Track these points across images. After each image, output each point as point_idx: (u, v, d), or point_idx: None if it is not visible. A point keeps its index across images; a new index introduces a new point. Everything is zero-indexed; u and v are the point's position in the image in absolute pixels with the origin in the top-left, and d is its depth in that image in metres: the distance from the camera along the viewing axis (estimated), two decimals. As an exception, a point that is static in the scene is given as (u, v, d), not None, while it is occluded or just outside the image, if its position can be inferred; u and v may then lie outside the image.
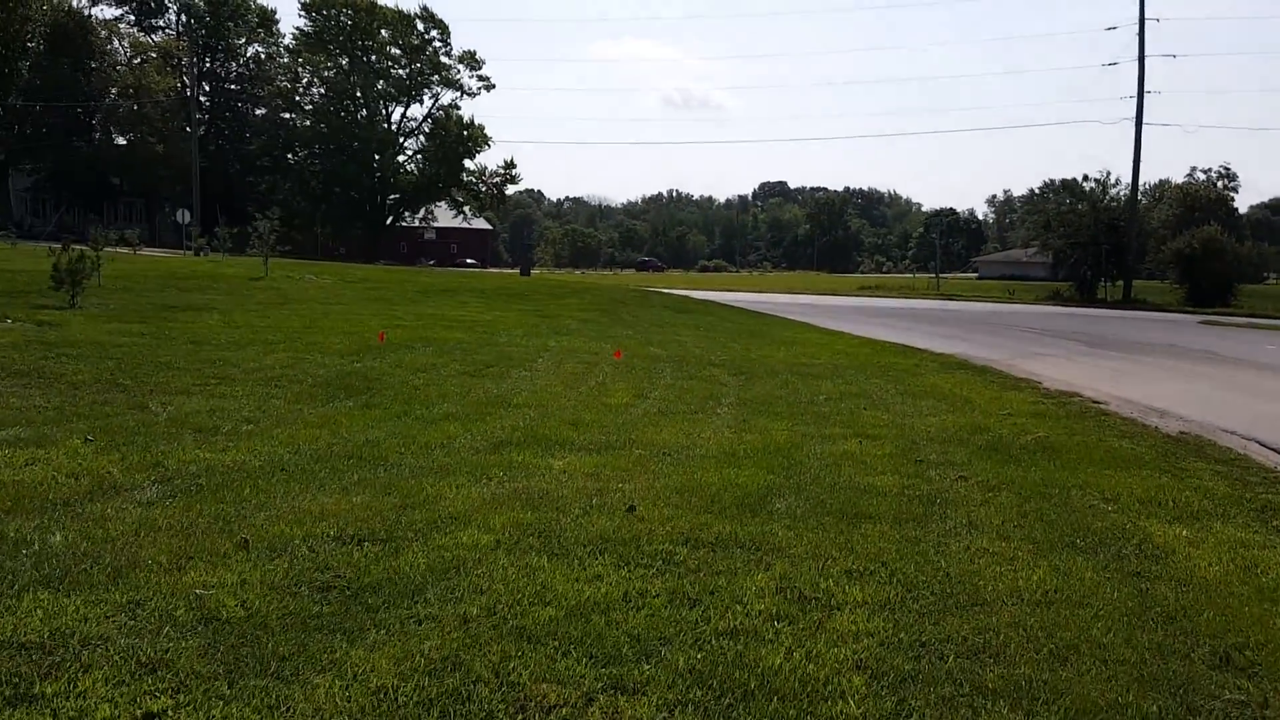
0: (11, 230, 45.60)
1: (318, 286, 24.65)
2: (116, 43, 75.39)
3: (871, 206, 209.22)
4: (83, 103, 68.18)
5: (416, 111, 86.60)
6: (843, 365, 16.64)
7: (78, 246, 16.43)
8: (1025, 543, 5.77)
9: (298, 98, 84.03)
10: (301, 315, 17.95)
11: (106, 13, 77.80)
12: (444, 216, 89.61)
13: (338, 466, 7.00)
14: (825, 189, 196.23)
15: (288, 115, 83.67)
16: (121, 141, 76.13)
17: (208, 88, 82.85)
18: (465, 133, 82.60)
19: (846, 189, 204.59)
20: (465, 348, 15.20)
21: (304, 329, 15.83)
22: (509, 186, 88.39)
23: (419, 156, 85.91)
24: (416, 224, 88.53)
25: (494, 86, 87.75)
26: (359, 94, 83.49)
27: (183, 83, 76.05)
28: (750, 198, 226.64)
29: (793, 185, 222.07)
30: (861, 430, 9.97)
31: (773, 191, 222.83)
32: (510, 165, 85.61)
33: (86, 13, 73.57)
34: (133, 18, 79.19)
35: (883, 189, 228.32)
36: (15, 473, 6.26)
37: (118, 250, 39.28)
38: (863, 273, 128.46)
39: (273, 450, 7.45)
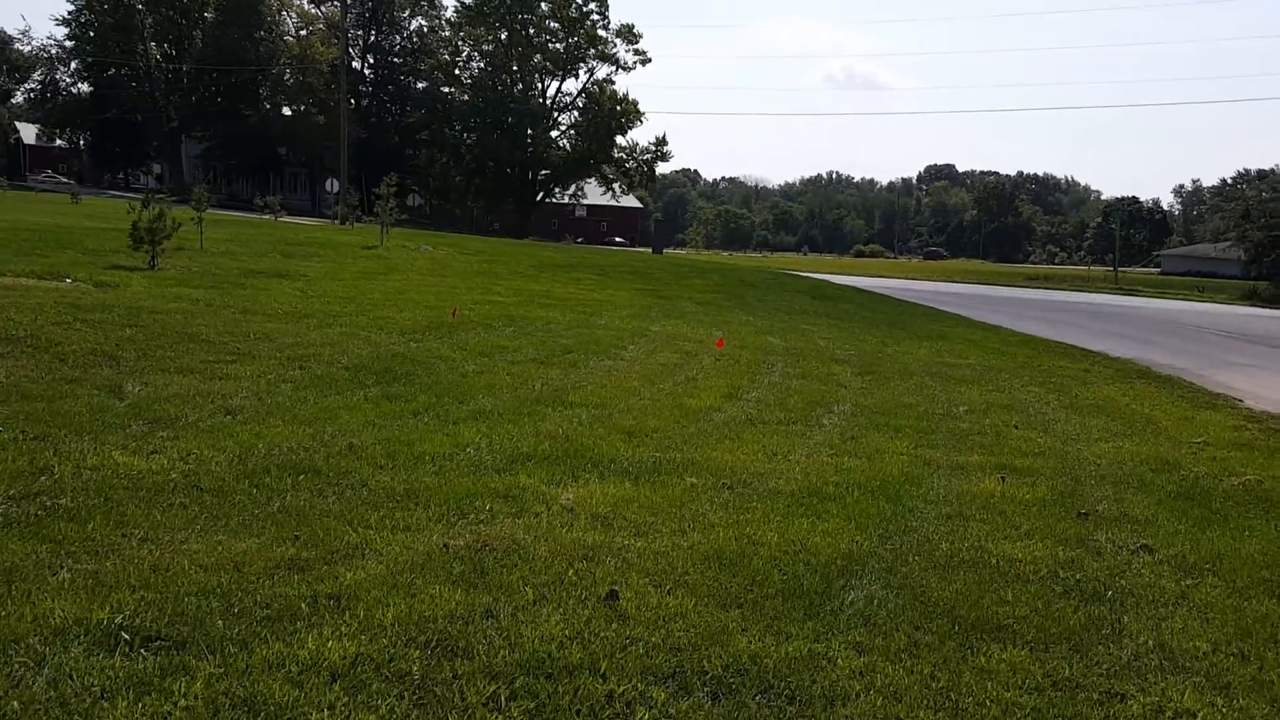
0: (168, 194, 46.77)
1: (429, 258, 23.42)
2: (285, 14, 77.33)
3: (1045, 193, 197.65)
4: (252, 70, 70.05)
5: (571, 86, 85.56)
6: (995, 367, 14.06)
7: (159, 205, 15.52)
8: (1258, 699, 3.47)
9: (457, 71, 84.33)
10: (391, 286, 16.58)
11: (279, -16, 79.53)
12: (595, 194, 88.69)
13: (271, 486, 5.26)
14: (996, 173, 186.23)
15: (447, 89, 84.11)
16: (287, 112, 78.16)
17: (372, 60, 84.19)
18: (618, 108, 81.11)
19: (1019, 173, 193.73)
20: (552, 329, 13.42)
21: (383, 301, 14.39)
22: (659, 164, 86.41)
23: (571, 132, 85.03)
24: (567, 200, 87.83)
25: (650, 60, 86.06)
26: (515, 68, 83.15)
27: (349, 54, 77.48)
28: (915, 181, 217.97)
29: (961, 169, 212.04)
30: (1007, 459, 7.64)
31: (939, 174, 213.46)
32: (661, 142, 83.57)
33: (259, -17, 75.52)
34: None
35: (1059, 174, 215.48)
36: None
37: (261, 216, 39.64)
38: (1033, 263, 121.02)
39: (212, 456, 5.79)
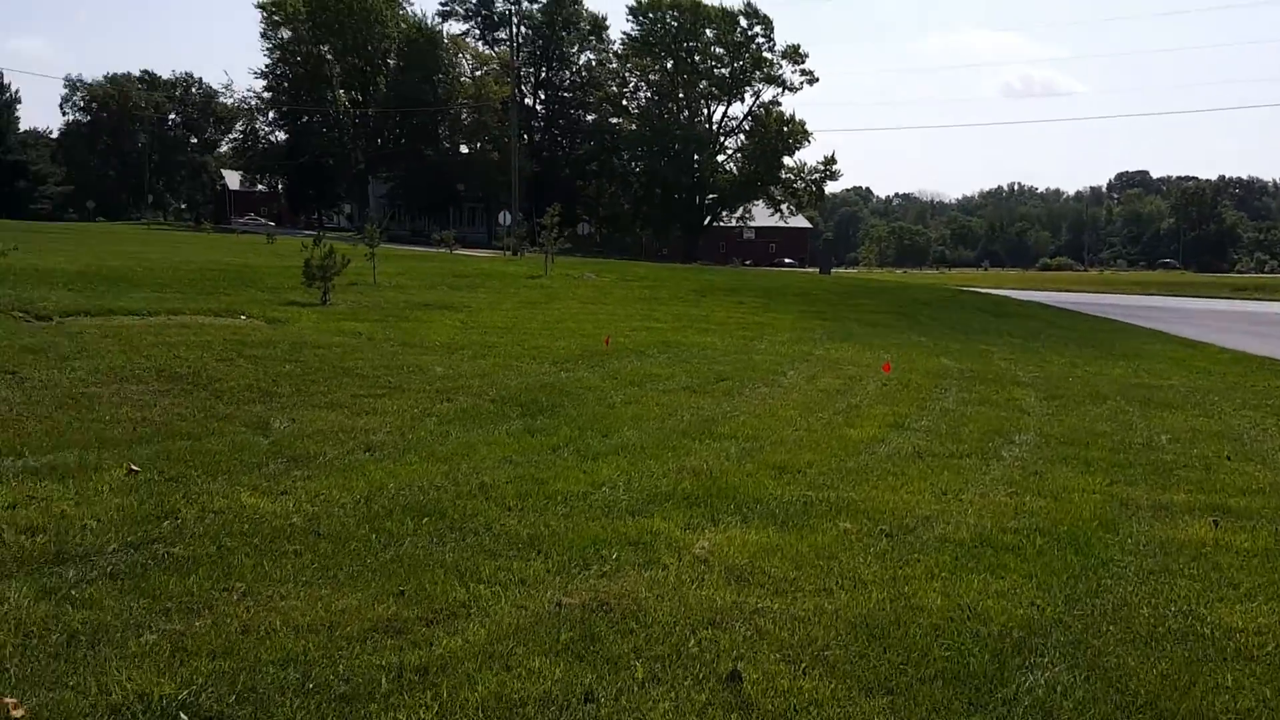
0: (356, 232, 49.05)
1: (591, 285, 23.43)
2: (461, 56, 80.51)
3: (1251, 197, 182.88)
4: (431, 111, 73.12)
5: (737, 109, 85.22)
6: (1201, 388, 12.66)
7: (329, 241, 16.04)
8: None
9: (625, 101, 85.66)
10: (549, 315, 16.53)
11: (455, 28, 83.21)
12: (763, 216, 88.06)
13: (391, 531, 4.99)
14: (1194, 178, 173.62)
15: (615, 119, 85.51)
16: (464, 149, 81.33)
17: (543, 96, 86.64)
18: (785, 129, 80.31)
19: (1220, 178, 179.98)
20: (709, 355, 12.96)
21: (539, 330, 14.30)
22: (828, 183, 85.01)
23: (738, 155, 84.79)
24: (734, 224, 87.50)
25: (817, 80, 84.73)
26: (681, 95, 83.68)
27: (520, 91, 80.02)
28: (1105, 189, 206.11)
29: (1155, 175, 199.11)
30: (1220, 497, 6.64)
31: (1131, 182, 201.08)
32: (830, 161, 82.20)
33: (438, 28, 79.18)
34: (478, 31, 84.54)
35: (1265, 177, 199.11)
36: (-27, 520, 4.77)
37: (436, 250, 41.01)
38: (1239, 272, 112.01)
39: (339, 497, 5.61)
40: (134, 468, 5.91)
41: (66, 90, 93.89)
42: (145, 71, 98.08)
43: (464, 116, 78.48)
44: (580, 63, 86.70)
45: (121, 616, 3.70)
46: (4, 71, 75.42)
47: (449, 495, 5.79)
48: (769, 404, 9.62)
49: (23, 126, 78.51)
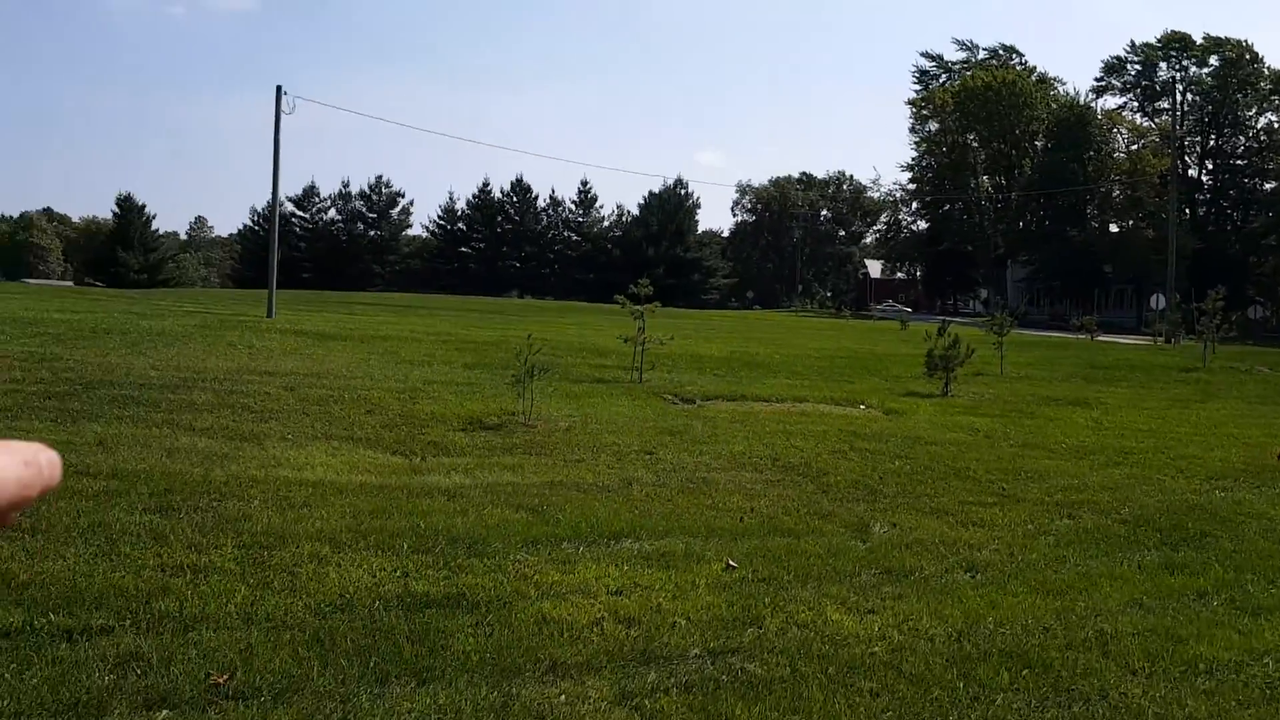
0: (992, 319, 47.83)
1: (1261, 380, 19.74)
2: (1116, 130, 75.46)
3: None
4: (1078, 190, 69.53)
5: None
6: None
7: (954, 330, 15.54)
8: None
9: (1316, 164, 73.07)
10: (1203, 417, 14.14)
11: (1110, 102, 78.42)
12: None
13: (981, 682, 4.33)
14: None
15: (1304, 186, 73.33)
16: (1113, 228, 75.76)
17: (1210, 166, 77.65)
18: None
19: None
20: None
21: (1189, 436, 12.25)
22: None
23: None
24: None
25: None
26: (1400, 150, 69.03)
27: (1184, 162, 72.56)
28: None
29: None
30: None
31: None
32: None
33: (1090, 104, 75.45)
34: (1135, 104, 78.69)
35: None
36: (577, 605, 5.14)
37: (1075, 336, 38.40)
38: None
39: (929, 626, 5.08)
40: (731, 563, 5.99)
41: (737, 195, 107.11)
42: (803, 173, 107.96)
43: (1115, 194, 73.27)
44: (1259, 126, 76.08)
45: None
46: (689, 182, 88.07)
47: (1057, 643, 4.93)
48: None
49: (700, 228, 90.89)
